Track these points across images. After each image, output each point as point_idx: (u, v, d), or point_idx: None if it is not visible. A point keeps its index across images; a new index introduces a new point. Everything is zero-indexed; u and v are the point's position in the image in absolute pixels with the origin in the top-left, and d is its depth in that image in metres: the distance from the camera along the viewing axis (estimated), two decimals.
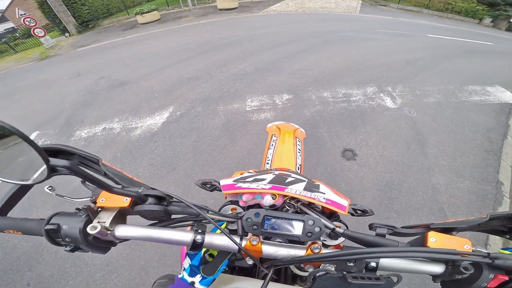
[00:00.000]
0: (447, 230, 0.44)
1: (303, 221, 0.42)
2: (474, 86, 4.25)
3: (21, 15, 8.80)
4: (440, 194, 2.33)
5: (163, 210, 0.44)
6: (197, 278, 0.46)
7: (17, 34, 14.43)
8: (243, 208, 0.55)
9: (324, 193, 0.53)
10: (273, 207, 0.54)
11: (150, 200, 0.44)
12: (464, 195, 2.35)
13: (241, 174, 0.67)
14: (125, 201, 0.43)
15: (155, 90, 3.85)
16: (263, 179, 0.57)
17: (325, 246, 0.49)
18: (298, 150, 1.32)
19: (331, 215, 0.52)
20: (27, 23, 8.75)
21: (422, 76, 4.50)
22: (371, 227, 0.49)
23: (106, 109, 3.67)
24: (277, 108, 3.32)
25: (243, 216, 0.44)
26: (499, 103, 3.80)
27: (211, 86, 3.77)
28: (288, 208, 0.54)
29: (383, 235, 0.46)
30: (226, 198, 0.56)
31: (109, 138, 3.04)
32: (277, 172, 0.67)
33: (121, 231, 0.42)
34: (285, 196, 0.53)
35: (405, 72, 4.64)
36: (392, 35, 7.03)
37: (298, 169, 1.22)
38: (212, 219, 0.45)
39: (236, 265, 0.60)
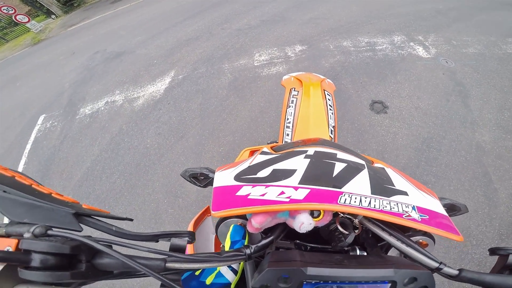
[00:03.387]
0: None
1: (393, 281, 0.24)
2: None
3: None
4: (485, 154, 2.06)
5: (80, 273, 0.23)
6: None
7: (4, 24, 14.47)
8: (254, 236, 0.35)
9: (406, 193, 0.31)
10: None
11: (37, 259, 0.22)
12: None
13: (251, 153, 0.40)
14: (5, 251, 0.22)
15: (153, 56, 3.52)
16: (290, 172, 0.32)
17: None
18: (329, 107, 1.02)
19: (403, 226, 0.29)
20: (5, 11, 8.49)
21: (457, 26, 3.92)
22: (494, 252, 0.31)
23: (105, 82, 3.47)
24: (290, 60, 2.93)
25: (254, 279, 0.24)
26: None
27: (213, 44, 3.37)
28: (342, 231, 0.32)
29: None
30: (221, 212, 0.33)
31: (112, 111, 2.87)
32: (311, 151, 0.39)
33: None
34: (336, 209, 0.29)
35: (436, 21, 4.05)
36: None
37: (331, 133, 0.94)
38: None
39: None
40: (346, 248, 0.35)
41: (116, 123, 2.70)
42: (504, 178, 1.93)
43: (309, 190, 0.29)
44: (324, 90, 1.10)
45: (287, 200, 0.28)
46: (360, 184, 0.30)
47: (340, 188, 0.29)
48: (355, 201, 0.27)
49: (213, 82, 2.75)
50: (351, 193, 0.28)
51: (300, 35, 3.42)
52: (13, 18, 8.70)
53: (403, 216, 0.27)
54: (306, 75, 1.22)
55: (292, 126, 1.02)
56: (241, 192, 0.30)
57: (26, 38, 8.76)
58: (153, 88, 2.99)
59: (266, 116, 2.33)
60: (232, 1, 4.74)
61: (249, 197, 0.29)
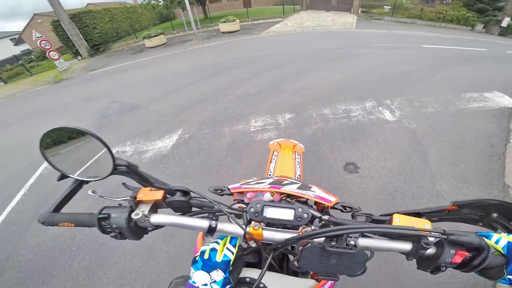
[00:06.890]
0: (415, 215, 0.48)
1: (293, 208, 0.50)
2: (471, 93, 4.17)
3: (37, 37, 8.88)
4: (445, 200, 2.29)
5: (187, 202, 0.54)
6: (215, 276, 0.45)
7: (33, 57, 15.04)
8: (247, 205, 0.63)
9: (314, 191, 0.63)
10: (272, 202, 0.63)
11: (178, 193, 0.55)
12: None
13: (245, 180, 0.81)
14: (158, 195, 0.52)
15: (164, 113, 4.07)
16: (264, 182, 0.68)
17: None
18: (297, 163, 1.44)
19: (322, 210, 0.62)
20: (43, 45, 8.97)
21: (419, 87, 4.48)
22: (353, 216, 0.58)
23: (118, 132, 3.85)
24: (280, 127, 3.49)
25: (247, 207, 0.51)
26: (498, 108, 3.72)
27: (217, 108, 3.98)
28: (284, 202, 0.63)
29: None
30: (233, 200, 0.67)
31: None
32: (276, 177, 0.77)
33: (155, 218, 0.50)
34: (282, 193, 0.63)
35: (402, 84, 4.63)
36: (388, 48, 7.30)
37: (297, 179, 1.33)
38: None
39: (244, 260, 0.65)
40: None
41: None
42: None
43: (270, 185, 0.66)
44: (295, 152, 1.54)
45: (260, 187, 0.65)
46: (293, 186, 0.67)
47: (283, 186, 0.66)
48: (287, 189, 0.64)
49: (215, 143, 3.22)
50: (287, 187, 0.65)
51: (290, 103, 4.08)
52: (47, 53, 9.02)
53: (305, 194, 0.58)
54: (285, 141, 1.66)
55: (272, 175, 1.44)
56: (242, 186, 0.65)
57: (49, 75, 9.31)
58: (161, 143, 3.40)
59: (257, 175, 2.73)
60: (235, 68, 5.62)
61: (246, 186, 0.64)
